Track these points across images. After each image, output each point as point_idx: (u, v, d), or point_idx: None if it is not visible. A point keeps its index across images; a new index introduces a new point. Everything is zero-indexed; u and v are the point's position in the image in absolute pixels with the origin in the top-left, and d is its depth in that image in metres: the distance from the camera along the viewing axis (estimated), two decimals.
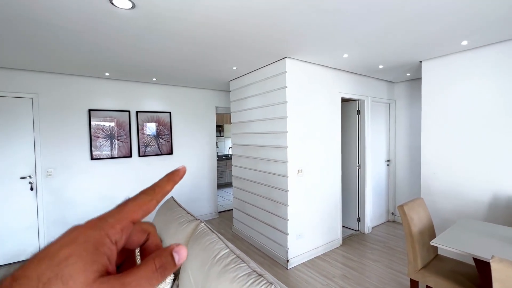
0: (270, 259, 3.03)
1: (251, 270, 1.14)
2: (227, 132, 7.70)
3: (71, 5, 1.57)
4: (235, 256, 1.26)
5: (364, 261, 2.95)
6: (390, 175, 4.26)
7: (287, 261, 2.82)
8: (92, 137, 3.49)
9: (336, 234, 3.34)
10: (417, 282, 2.01)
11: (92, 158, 3.49)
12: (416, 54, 2.70)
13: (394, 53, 2.66)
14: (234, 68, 3.14)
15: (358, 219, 3.86)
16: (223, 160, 6.99)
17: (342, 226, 3.97)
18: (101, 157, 3.55)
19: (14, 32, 1.96)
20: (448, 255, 2.24)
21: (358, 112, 3.79)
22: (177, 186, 4.03)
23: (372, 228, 3.92)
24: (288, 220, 2.82)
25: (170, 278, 1.45)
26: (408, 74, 3.61)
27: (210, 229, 1.56)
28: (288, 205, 2.81)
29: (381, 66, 3.17)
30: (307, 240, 3.01)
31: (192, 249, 1.46)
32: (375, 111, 3.93)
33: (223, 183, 6.92)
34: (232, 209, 4.23)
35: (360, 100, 3.73)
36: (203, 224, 1.66)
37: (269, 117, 3.04)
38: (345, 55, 2.70)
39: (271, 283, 1.05)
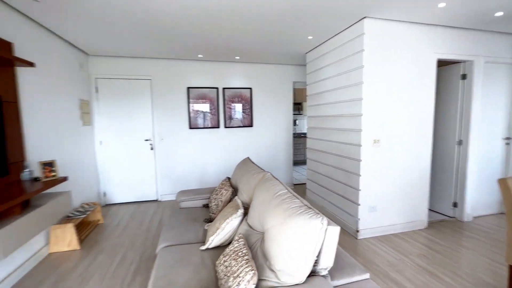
0: (341, 229, 3.04)
1: (302, 204, 1.28)
2: (306, 110, 7.66)
3: (175, 3, 1.99)
4: (291, 194, 1.42)
5: (453, 246, 2.57)
6: (509, 157, 3.38)
7: (357, 231, 2.78)
8: (190, 110, 4.24)
9: (419, 215, 3.00)
10: None
11: (190, 128, 4.27)
12: None
13: None
14: (310, 37, 3.13)
15: (454, 204, 3.30)
16: (301, 137, 7.07)
17: (432, 210, 3.52)
18: (197, 126, 4.29)
19: (137, 30, 2.62)
20: None
21: (463, 76, 3.13)
22: (255, 156, 4.47)
23: (474, 217, 3.29)
24: (360, 190, 2.74)
25: (241, 212, 1.76)
26: None
27: (274, 177, 1.77)
28: (360, 175, 2.72)
29: (499, 14, 2.49)
30: (381, 215, 2.85)
31: (258, 191, 1.71)
32: (490, 75, 3.14)
33: (301, 160, 7.04)
34: (305, 183, 4.35)
35: (467, 61, 3.06)
36: (269, 174, 1.89)
37: (343, 85, 2.93)
38: (442, 5, 2.28)
39: (318, 213, 1.17)
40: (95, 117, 3.88)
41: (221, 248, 1.75)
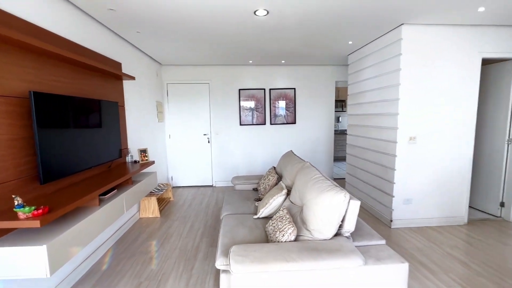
0: (375, 219, 3.31)
1: (332, 184, 1.71)
2: None
3: (233, 20, 2.55)
4: (323, 178, 1.86)
5: (490, 241, 2.66)
6: None
7: (391, 221, 3.03)
8: (241, 109, 4.86)
9: (459, 211, 3.09)
10: None
11: (240, 124, 4.90)
12: None
13: None
14: (350, 42, 3.42)
15: (502, 204, 3.26)
16: (344, 134, 7.20)
17: (477, 209, 3.51)
18: (246, 123, 4.90)
19: (201, 42, 3.27)
20: None
21: None
22: (298, 151, 4.90)
23: None
24: (394, 183, 2.98)
25: (284, 191, 2.25)
26: None
27: (312, 165, 2.21)
28: (395, 169, 2.96)
29: None
30: (416, 208, 3.03)
31: (299, 176, 2.17)
32: None
33: (342, 156, 7.18)
34: (345, 178, 4.62)
35: None
36: (308, 163, 2.33)
37: (382, 86, 3.17)
38: (481, 9, 2.39)
39: (343, 190, 1.60)
40: (166, 115, 4.77)
41: (269, 218, 2.27)
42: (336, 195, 1.57)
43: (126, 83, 3.13)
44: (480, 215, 3.34)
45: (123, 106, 3.00)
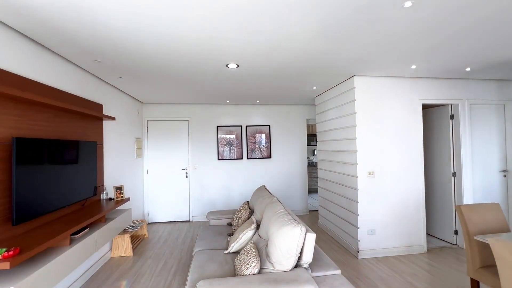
0: (344, 249, 3.47)
1: (292, 218, 1.91)
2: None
3: (208, 69, 2.89)
4: (286, 212, 2.06)
5: (446, 269, 2.89)
6: (509, 188, 3.63)
7: (358, 251, 3.21)
8: (219, 145, 5.10)
9: (418, 241, 3.34)
10: (477, 282, 2.05)
11: (218, 159, 5.09)
12: None
13: (485, 52, 2.63)
14: (314, 88, 3.89)
15: (455, 232, 3.57)
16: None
17: (435, 237, 3.80)
18: (224, 158, 5.10)
19: (180, 86, 3.59)
20: None
21: (452, 116, 3.60)
22: (273, 185, 5.09)
23: None
24: (358, 215, 3.22)
25: (254, 226, 2.39)
26: None
27: (279, 201, 2.42)
28: (358, 202, 3.22)
29: (468, 69, 3.04)
30: (379, 238, 3.26)
31: (266, 210, 2.35)
32: (479, 115, 3.57)
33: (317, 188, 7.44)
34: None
35: (453, 104, 3.55)
36: (275, 198, 2.54)
37: (342, 126, 3.57)
38: (413, 66, 2.91)
39: (300, 224, 1.80)
40: (145, 151, 4.88)
41: (238, 252, 2.37)
42: (293, 228, 1.77)
43: (106, 123, 3.30)
44: (438, 243, 3.61)
45: (101, 144, 3.13)
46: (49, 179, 2.05)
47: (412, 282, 2.62)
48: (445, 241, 3.68)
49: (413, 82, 3.39)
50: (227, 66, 2.75)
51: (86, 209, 2.58)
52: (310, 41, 2.17)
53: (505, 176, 3.65)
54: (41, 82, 2.16)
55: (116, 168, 3.57)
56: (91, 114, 2.65)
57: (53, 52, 2.32)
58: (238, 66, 2.75)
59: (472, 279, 2.08)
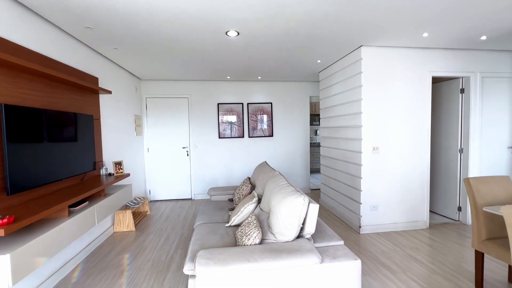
0: (346, 225, 3.47)
1: (294, 190, 1.85)
2: None
3: (207, 37, 2.73)
4: (288, 184, 2.00)
5: (448, 243, 2.88)
6: None
7: (360, 226, 3.19)
8: (219, 123, 5.00)
9: (420, 216, 3.32)
10: (482, 254, 2.02)
11: (219, 137, 5.01)
12: None
13: (502, 15, 2.43)
14: (319, 61, 3.71)
15: (459, 209, 3.54)
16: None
17: (438, 214, 3.78)
18: (225, 136, 5.02)
19: (178, 59, 3.43)
20: None
21: (462, 90, 3.44)
22: (275, 163, 5.04)
23: None
24: (361, 191, 3.18)
25: (255, 199, 2.35)
26: None
27: (281, 174, 2.35)
28: (361, 178, 3.16)
29: (483, 38, 2.85)
30: (382, 214, 3.23)
31: (268, 184, 2.30)
32: (490, 89, 3.41)
33: (319, 168, 7.42)
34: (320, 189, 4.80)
35: (464, 77, 3.38)
36: (277, 172, 2.48)
37: (347, 101, 3.44)
38: (425, 34, 2.73)
39: (303, 194, 1.74)
40: (145, 129, 4.80)
41: (240, 226, 2.35)
42: (296, 199, 1.71)
43: (103, 97, 3.19)
44: (441, 219, 3.59)
45: (98, 119, 3.04)
46: (45, 150, 1.99)
47: (414, 255, 2.61)
48: (447, 217, 3.66)
49: (423, 53, 3.20)
50: (226, 34, 2.59)
51: (85, 183, 2.54)
52: (316, 3, 2.00)
53: None
54: (32, 49, 2.03)
55: (115, 144, 3.50)
56: (86, 86, 2.54)
57: (45, 19, 2.17)
58: (238, 34, 2.58)
59: (476, 251, 2.05)
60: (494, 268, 2.36)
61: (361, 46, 3.06)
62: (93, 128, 2.72)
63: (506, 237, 2.01)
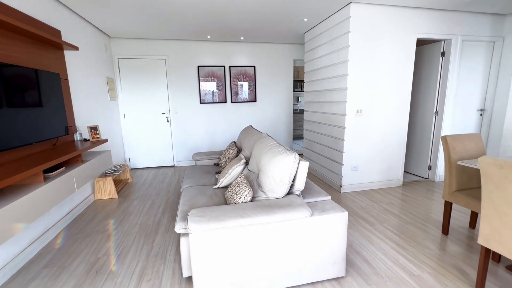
0: (328, 186, 3.64)
1: (284, 149, 1.84)
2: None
3: None
4: (277, 144, 1.98)
5: (418, 198, 3.14)
6: (483, 127, 3.82)
7: (341, 186, 3.36)
8: (200, 87, 4.76)
9: (396, 175, 3.55)
10: (451, 203, 2.23)
11: (200, 103, 4.81)
12: None
13: None
14: (305, 19, 3.53)
15: (429, 167, 3.82)
16: (303, 113, 7.52)
17: (410, 173, 4.06)
18: (206, 101, 4.83)
19: (153, 13, 3.08)
20: None
21: (442, 54, 3.50)
22: (259, 127, 5.00)
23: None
24: (343, 152, 3.29)
25: (243, 161, 2.34)
26: None
27: (268, 135, 2.33)
28: (344, 140, 3.25)
29: None
30: (362, 173, 3.41)
31: (256, 145, 2.28)
32: (468, 52, 3.50)
33: (302, 134, 7.55)
34: (302, 153, 4.91)
35: (446, 40, 3.42)
36: (265, 134, 2.45)
37: (333, 63, 3.38)
38: None
39: (294, 152, 1.74)
40: (119, 93, 4.46)
41: (228, 187, 2.35)
42: (287, 157, 1.71)
43: (69, 54, 2.84)
44: (413, 178, 3.88)
45: (66, 79, 2.74)
46: (4, 110, 1.77)
47: (389, 209, 2.84)
48: (419, 176, 3.96)
49: (410, 14, 3.14)
50: None
51: (59, 149, 2.36)
52: None
53: (481, 115, 3.80)
54: None
55: (87, 108, 3.23)
56: (47, 38, 2.22)
57: None
58: None
59: (446, 202, 2.25)
60: (457, 216, 2.64)
61: (351, 2, 2.93)
62: (60, 88, 2.45)
63: (473, 188, 2.22)
